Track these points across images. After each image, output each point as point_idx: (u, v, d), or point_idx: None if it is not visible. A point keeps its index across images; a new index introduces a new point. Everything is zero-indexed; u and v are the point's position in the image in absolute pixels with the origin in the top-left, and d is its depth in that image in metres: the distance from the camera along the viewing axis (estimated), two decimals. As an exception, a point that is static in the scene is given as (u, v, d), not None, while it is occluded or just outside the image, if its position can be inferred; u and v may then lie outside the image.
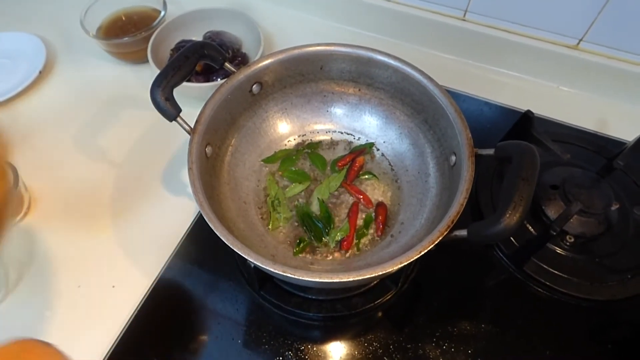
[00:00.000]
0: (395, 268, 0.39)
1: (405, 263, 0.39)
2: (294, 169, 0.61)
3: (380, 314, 0.54)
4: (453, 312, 0.54)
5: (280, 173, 0.60)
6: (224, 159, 0.57)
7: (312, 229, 0.55)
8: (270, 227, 0.56)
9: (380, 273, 0.39)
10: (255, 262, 0.40)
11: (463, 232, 0.42)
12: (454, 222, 0.42)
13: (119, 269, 0.57)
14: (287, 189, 0.59)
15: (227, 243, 0.41)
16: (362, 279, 0.40)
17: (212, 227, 0.42)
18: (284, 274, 0.39)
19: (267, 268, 0.40)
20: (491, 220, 0.39)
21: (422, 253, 0.40)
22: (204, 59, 0.53)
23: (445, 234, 0.41)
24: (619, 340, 0.53)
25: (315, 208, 0.57)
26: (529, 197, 0.39)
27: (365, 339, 0.52)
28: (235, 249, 0.40)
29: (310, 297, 0.54)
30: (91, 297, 0.55)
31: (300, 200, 0.58)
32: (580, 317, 0.54)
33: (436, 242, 0.41)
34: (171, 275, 0.56)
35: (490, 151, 0.47)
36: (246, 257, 0.40)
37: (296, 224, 0.56)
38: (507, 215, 0.38)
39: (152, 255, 0.58)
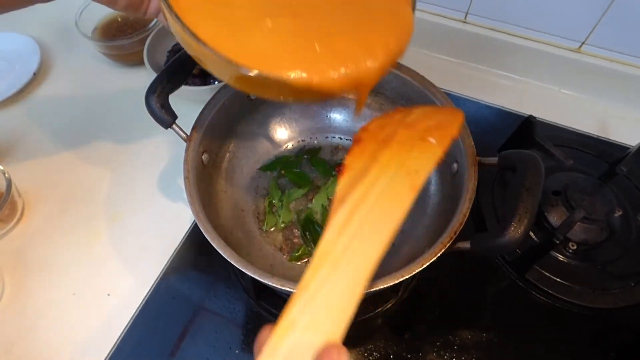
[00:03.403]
0: (397, 281, 0.38)
1: (407, 276, 0.39)
2: (296, 170, 0.59)
3: (380, 322, 0.54)
4: (454, 321, 0.53)
5: (282, 172, 0.59)
6: (221, 166, 0.56)
7: (313, 235, 0.54)
8: (265, 227, 0.55)
9: (382, 287, 0.38)
10: (253, 275, 0.39)
11: (466, 244, 0.41)
12: (457, 233, 0.41)
13: (115, 276, 0.56)
14: (287, 193, 0.58)
15: (224, 256, 0.40)
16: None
17: (209, 239, 0.41)
18: (282, 288, 0.38)
19: (265, 281, 0.39)
20: (495, 232, 0.39)
21: (425, 266, 0.39)
22: (200, 64, 0.52)
23: (447, 245, 0.40)
24: (621, 348, 0.52)
25: (317, 215, 0.56)
26: (534, 209, 0.38)
27: (365, 349, 0.51)
28: (232, 262, 0.40)
29: (309, 305, 0.54)
30: (86, 306, 0.54)
31: (301, 205, 0.57)
32: (583, 325, 0.53)
33: (438, 255, 0.40)
34: (167, 283, 0.55)
35: (494, 160, 0.46)
36: (244, 270, 0.39)
37: (295, 231, 0.56)
38: (512, 228, 0.37)
39: (149, 262, 0.57)
